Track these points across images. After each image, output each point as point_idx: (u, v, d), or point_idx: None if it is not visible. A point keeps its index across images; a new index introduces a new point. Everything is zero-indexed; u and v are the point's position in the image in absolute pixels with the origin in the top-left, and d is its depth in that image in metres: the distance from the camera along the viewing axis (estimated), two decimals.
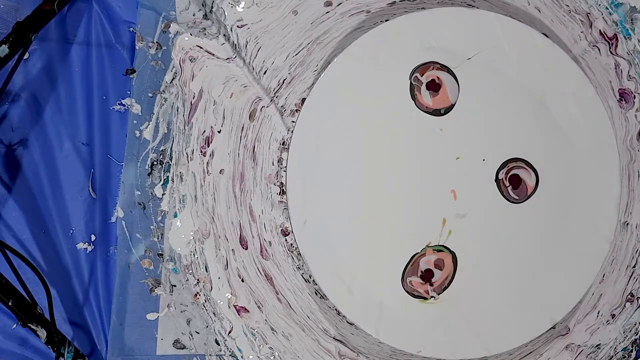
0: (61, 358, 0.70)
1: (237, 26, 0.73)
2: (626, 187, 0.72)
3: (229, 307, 0.73)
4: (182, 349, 0.73)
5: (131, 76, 0.76)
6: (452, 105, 0.69)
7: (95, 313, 0.74)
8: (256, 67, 0.73)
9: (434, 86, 0.69)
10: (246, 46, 0.73)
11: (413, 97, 0.69)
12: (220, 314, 0.73)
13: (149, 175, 0.75)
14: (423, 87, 0.69)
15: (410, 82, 0.69)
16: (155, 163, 0.75)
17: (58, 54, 0.77)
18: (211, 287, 0.73)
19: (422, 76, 0.69)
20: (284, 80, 0.74)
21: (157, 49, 0.76)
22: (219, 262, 0.73)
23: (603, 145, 0.67)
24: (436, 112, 0.69)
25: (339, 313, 0.72)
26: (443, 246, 0.68)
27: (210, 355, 0.73)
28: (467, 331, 0.67)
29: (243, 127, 0.74)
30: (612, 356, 0.72)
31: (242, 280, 0.73)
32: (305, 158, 0.68)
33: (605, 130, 0.67)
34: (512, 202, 0.68)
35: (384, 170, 0.68)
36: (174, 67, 0.75)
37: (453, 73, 0.68)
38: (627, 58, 0.72)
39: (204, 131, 0.74)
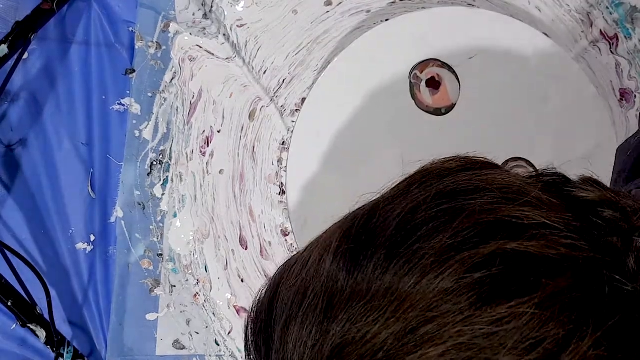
0: (60, 358, 0.70)
1: (237, 26, 0.73)
2: None
3: (229, 308, 0.72)
4: (182, 349, 0.73)
5: (131, 76, 0.76)
6: (453, 105, 0.68)
7: (95, 313, 0.74)
8: (256, 67, 0.73)
9: (434, 84, 0.69)
10: (246, 46, 0.73)
11: (413, 96, 0.68)
12: (220, 314, 0.72)
13: (148, 175, 0.75)
14: (422, 85, 0.69)
15: (410, 81, 0.68)
16: (154, 163, 0.75)
17: (57, 54, 0.77)
18: (211, 288, 0.73)
19: (421, 73, 0.68)
20: (283, 80, 0.74)
21: (156, 48, 0.76)
22: (219, 262, 0.73)
23: (604, 145, 0.67)
24: (437, 112, 0.68)
25: None
26: None
27: (210, 355, 0.73)
28: None
29: (243, 127, 0.74)
30: None
31: (242, 281, 0.73)
32: (305, 158, 0.68)
33: (606, 130, 0.67)
34: None
35: (384, 170, 0.68)
36: (173, 66, 0.75)
37: (453, 70, 0.68)
38: (627, 58, 0.72)
39: (204, 131, 0.73)
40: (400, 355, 0.23)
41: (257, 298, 0.31)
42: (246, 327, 0.31)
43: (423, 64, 0.68)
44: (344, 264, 0.28)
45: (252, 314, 0.31)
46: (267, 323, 0.30)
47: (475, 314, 0.23)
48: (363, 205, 0.33)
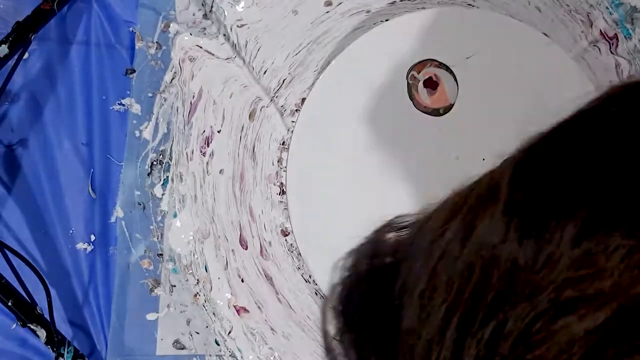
0: (61, 358, 0.70)
1: (237, 26, 0.73)
2: None
3: (229, 307, 0.73)
4: (182, 349, 0.73)
5: (131, 76, 0.76)
6: (451, 105, 0.68)
7: (95, 313, 0.74)
8: (256, 67, 0.73)
9: (431, 84, 0.69)
10: (246, 46, 0.73)
11: (411, 96, 0.68)
12: (220, 314, 0.72)
13: (148, 175, 0.75)
14: (420, 85, 0.68)
15: (407, 81, 0.68)
16: (155, 163, 0.75)
17: (58, 54, 0.77)
18: (211, 287, 0.73)
19: (418, 74, 0.68)
20: (283, 80, 0.74)
21: (156, 48, 0.76)
22: (219, 262, 0.73)
23: None
24: (435, 112, 0.68)
25: None
26: None
27: (210, 355, 0.73)
28: None
29: (243, 127, 0.74)
30: None
31: (242, 281, 0.73)
32: (305, 158, 0.68)
33: None
34: None
35: (383, 170, 0.68)
36: (173, 66, 0.75)
37: (451, 70, 0.68)
38: (627, 58, 0.72)
39: (204, 131, 0.73)
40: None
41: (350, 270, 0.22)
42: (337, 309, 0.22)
43: (420, 65, 0.68)
44: (518, 230, 0.18)
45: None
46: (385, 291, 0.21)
47: None
48: (521, 147, 0.22)
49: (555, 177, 0.19)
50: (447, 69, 0.68)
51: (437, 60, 0.68)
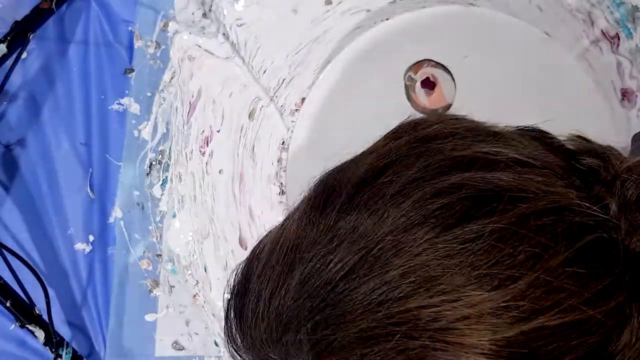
0: (59, 359, 0.70)
1: (237, 25, 0.73)
2: None
3: None
4: (181, 350, 0.72)
5: (130, 75, 0.76)
6: (450, 105, 0.68)
7: (94, 314, 0.74)
8: (256, 66, 0.73)
9: (429, 84, 0.68)
10: (245, 45, 0.73)
11: (409, 97, 0.68)
12: (219, 315, 0.72)
13: (147, 175, 0.74)
14: (417, 86, 0.68)
15: (405, 83, 0.68)
16: (153, 163, 0.75)
17: (56, 53, 0.77)
18: (210, 288, 0.72)
19: (415, 74, 0.68)
20: (283, 79, 0.73)
21: (155, 48, 0.76)
22: (218, 262, 0.72)
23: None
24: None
25: None
26: None
27: (209, 357, 0.72)
28: None
29: (242, 127, 0.73)
30: None
31: None
32: (305, 158, 0.68)
33: (607, 130, 0.67)
34: None
35: None
36: (172, 66, 0.74)
37: (448, 70, 0.68)
38: (629, 57, 0.72)
39: (203, 131, 0.73)
40: (360, 277, 0.22)
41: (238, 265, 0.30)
42: (228, 294, 0.30)
43: (417, 65, 0.68)
44: (310, 217, 0.27)
45: (233, 276, 0.30)
46: (244, 282, 0.28)
47: (439, 237, 0.21)
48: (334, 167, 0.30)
49: None
50: (445, 69, 0.68)
51: (433, 60, 0.68)
